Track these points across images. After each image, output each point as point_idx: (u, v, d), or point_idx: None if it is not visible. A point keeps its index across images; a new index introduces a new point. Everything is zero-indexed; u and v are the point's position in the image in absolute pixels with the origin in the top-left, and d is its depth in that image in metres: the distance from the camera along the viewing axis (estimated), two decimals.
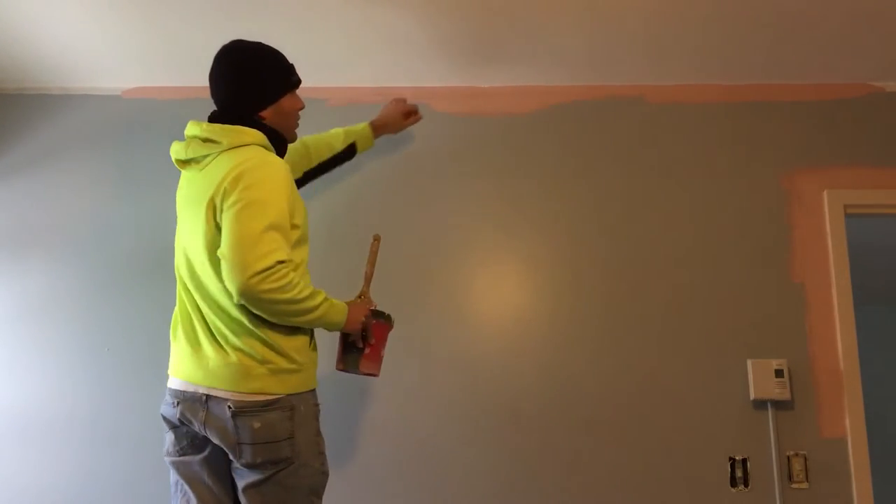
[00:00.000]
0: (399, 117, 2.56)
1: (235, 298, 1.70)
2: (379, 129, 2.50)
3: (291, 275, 1.72)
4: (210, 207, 1.76)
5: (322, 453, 1.83)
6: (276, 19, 2.46)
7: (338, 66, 2.76)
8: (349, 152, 2.40)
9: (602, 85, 2.89)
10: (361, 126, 2.43)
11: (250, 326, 1.74)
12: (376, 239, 2.16)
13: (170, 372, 1.86)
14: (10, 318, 2.71)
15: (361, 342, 1.94)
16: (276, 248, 1.70)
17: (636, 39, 2.59)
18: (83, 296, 2.72)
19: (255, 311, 1.72)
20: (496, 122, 2.87)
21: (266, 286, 1.67)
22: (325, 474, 1.84)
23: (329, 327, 1.86)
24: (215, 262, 1.75)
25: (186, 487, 1.82)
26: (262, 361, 1.74)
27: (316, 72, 2.78)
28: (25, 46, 2.63)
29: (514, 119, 2.87)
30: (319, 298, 1.79)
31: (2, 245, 2.78)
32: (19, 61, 2.72)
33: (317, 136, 2.36)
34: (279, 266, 1.70)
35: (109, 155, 2.85)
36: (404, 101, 2.61)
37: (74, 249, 2.77)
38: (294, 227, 1.82)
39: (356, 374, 2.01)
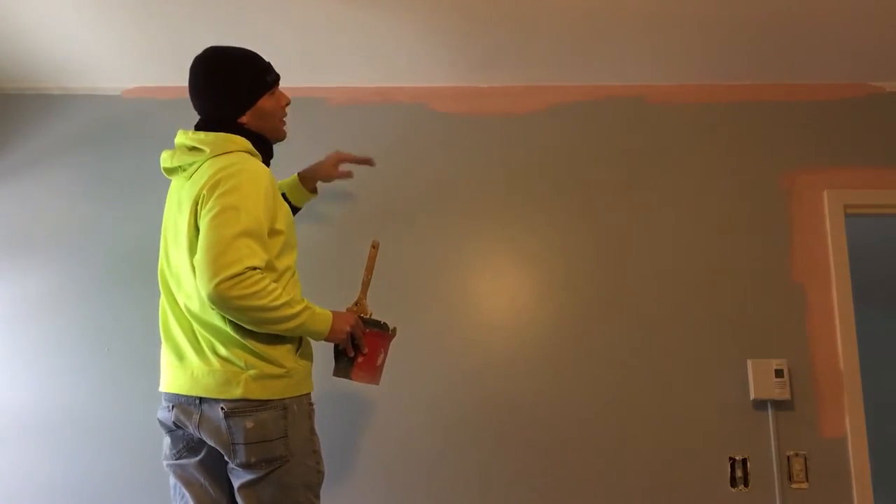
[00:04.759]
0: (329, 166, 2.40)
1: (208, 305, 1.70)
2: (308, 177, 2.35)
3: (265, 282, 1.69)
4: (192, 214, 1.76)
5: (317, 452, 1.83)
6: (276, 19, 2.46)
7: (338, 65, 2.77)
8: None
9: (602, 85, 2.89)
10: (290, 178, 2.33)
11: (234, 335, 1.73)
12: (374, 246, 2.11)
13: (160, 387, 1.86)
14: (9, 318, 2.72)
15: (352, 351, 1.91)
16: (248, 255, 1.68)
17: (636, 39, 2.59)
18: (83, 296, 2.73)
19: (230, 319, 1.71)
20: (496, 122, 2.87)
21: (236, 292, 1.65)
22: (321, 472, 1.83)
23: (311, 336, 1.83)
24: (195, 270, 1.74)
25: (184, 490, 1.81)
26: (246, 367, 1.73)
27: (316, 72, 2.79)
28: (26, 46, 2.63)
29: (514, 119, 2.87)
30: (298, 307, 1.75)
31: (1, 245, 2.78)
32: (19, 61, 2.72)
33: None
34: (250, 272, 1.67)
35: (110, 155, 2.85)
36: (346, 155, 2.45)
37: (74, 250, 2.77)
38: (276, 232, 1.80)
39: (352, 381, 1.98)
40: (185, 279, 1.79)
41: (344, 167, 2.46)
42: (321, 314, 1.81)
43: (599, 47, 2.64)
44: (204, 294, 1.67)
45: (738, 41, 2.60)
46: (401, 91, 2.88)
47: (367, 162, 2.49)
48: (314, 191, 2.37)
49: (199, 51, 1.93)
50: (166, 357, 1.84)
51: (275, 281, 1.76)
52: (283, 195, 2.29)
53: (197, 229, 1.75)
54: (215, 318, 1.74)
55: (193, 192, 1.77)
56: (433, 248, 2.76)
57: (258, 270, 1.70)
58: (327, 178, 2.42)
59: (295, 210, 2.33)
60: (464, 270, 2.75)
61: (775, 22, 2.48)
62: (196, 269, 1.69)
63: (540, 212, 2.79)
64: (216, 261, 1.66)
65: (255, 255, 1.70)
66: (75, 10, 2.42)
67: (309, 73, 2.80)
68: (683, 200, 2.79)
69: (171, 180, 1.96)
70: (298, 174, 2.34)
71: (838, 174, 2.79)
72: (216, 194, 1.72)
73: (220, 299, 1.65)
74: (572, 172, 2.82)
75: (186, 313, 1.80)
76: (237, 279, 1.65)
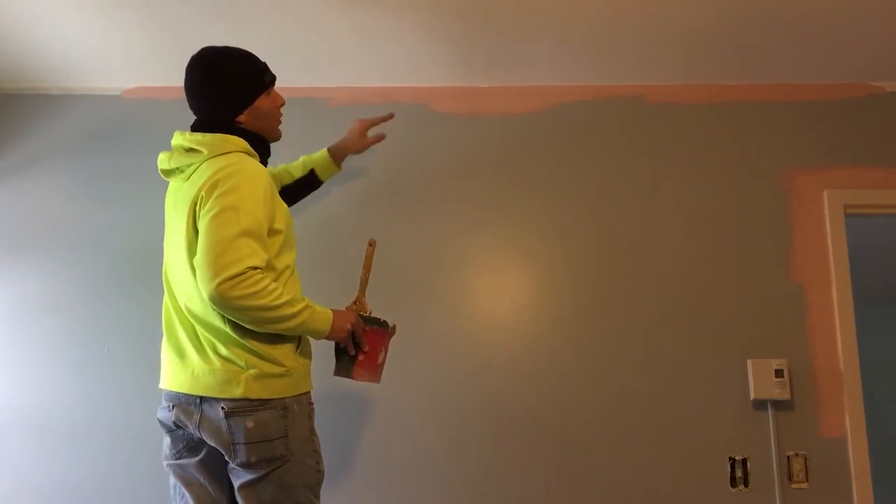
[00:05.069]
0: (358, 136, 2.40)
1: (209, 304, 1.70)
2: (338, 153, 2.35)
3: (266, 281, 1.70)
4: (191, 216, 1.76)
5: (317, 451, 1.83)
6: (276, 19, 2.46)
7: (338, 66, 2.76)
8: (311, 179, 2.30)
9: (602, 85, 2.89)
10: (320, 153, 2.33)
11: (234, 335, 1.73)
12: (371, 244, 2.13)
13: (160, 384, 1.87)
14: (9, 319, 2.72)
15: (353, 349, 1.92)
16: (248, 254, 1.68)
17: (636, 39, 2.59)
18: (83, 296, 2.73)
19: (231, 319, 1.71)
20: (496, 122, 2.87)
21: (237, 292, 1.65)
22: (321, 472, 1.83)
23: (312, 335, 1.83)
24: (195, 271, 1.74)
25: (184, 490, 1.82)
26: (247, 367, 1.73)
27: (316, 72, 2.79)
28: (26, 46, 2.63)
29: (514, 119, 2.87)
30: (299, 306, 1.76)
31: (1, 245, 2.78)
32: (19, 61, 2.72)
33: (282, 165, 2.30)
34: (251, 272, 1.68)
35: (110, 155, 2.85)
36: (368, 120, 2.44)
37: (74, 250, 2.77)
38: (275, 232, 1.80)
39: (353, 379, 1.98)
40: (184, 280, 1.80)
41: (372, 132, 2.44)
42: (322, 312, 1.82)
43: (599, 47, 2.64)
44: (205, 294, 1.67)
45: (739, 41, 2.60)
46: (401, 91, 2.88)
47: (388, 118, 2.46)
48: (340, 166, 2.37)
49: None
50: (167, 354, 1.85)
51: (274, 280, 1.76)
52: (312, 170, 2.29)
53: (196, 230, 1.75)
54: (215, 318, 1.75)
55: (191, 194, 1.77)
56: (433, 247, 2.76)
57: (259, 270, 1.70)
58: (361, 150, 2.42)
59: (318, 184, 2.33)
60: (464, 270, 2.75)
61: (775, 22, 2.48)
62: (197, 270, 1.70)
63: (540, 212, 2.79)
64: (217, 261, 1.66)
65: (256, 255, 1.70)
66: (75, 10, 2.42)
67: (309, 73, 2.80)
68: (683, 200, 2.79)
69: (168, 182, 1.96)
70: (328, 150, 2.33)
71: (838, 174, 2.79)
72: (215, 195, 1.72)
73: (221, 299, 1.66)
74: (572, 172, 2.82)
75: (187, 313, 1.80)
76: (238, 279, 1.66)
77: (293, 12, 2.43)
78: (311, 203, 2.62)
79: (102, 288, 2.73)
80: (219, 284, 1.64)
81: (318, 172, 2.31)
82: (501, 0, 2.37)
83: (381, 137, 2.46)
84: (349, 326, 1.88)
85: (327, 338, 1.85)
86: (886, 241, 4.45)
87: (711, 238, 2.75)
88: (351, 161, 2.82)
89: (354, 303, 2.04)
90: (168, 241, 1.90)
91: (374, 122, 2.43)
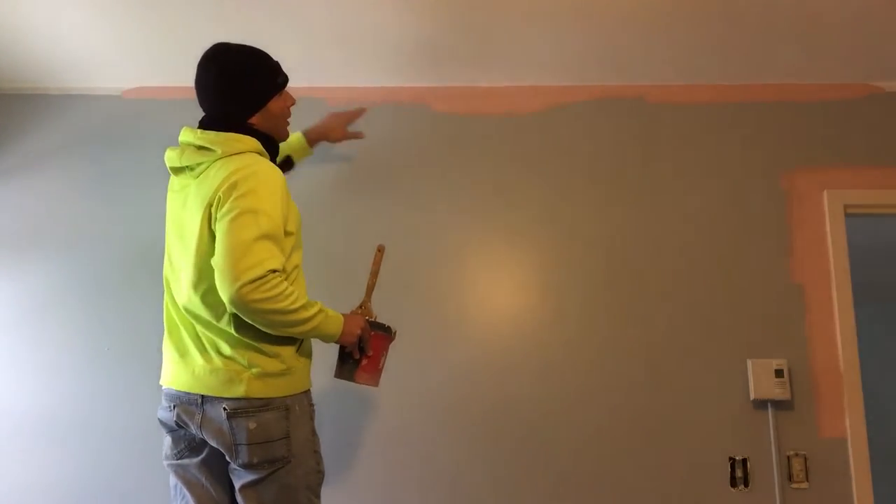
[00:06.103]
0: (339, 129, 2.51)
1: (228, 307, 1.70)
2: (316, 138, 2.43)
3: (284, 284, 1.71)
4: (206, 216, 1.75)
5: (317, 452, 1.83)
6: (275, 19, 2.46)
7: (337, 66, 2.76)
8: (285, 164, 2.32)
9: (602, 85, 2.89)
10: (296, 137, 2.36)
11: (236, 335, 1.74)
12: (380, 250, 2.13)
13: (161, 380, 1.87)
14: (10, 318, 2.71)
15: (358, 353, 1.93)
16: (268, 258, 1.69)
17: (636, 39, 2.59)
18: (83, 296, 2.73)
19: (247, 321, 1.71)
20: (496, 122, 2.87)
21: (257, 295, 1.66)
22: (322, 473, 1.84)
23: (324, 339, 1.84)
24: (203, 272, 1.74)
25: (185, 490, 1.82)
26: (249, 366, 1.73)
27: (315, 72, 2.79)
28: (26, 46, 2.62)
29: (514, 119, 2.87)
30: (314, 310, 1.77)
31: (2, 245, 2.78)
32: (19, 61, 2.72)
33: None
34: (271, 275, 1.68)
35: (109, 155, 2.85)
36: (344, 115, 2.55)
37: (75, 249, 2.77)
38: (288, 234, 1.81)
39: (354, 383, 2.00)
40: (185, 278, 1.79)
41: (351, 127, 2.56)
42: (333, 317, 1.83)
43: (599, 47, 2.64)
44: (225, 297, 1.67)
45: (738, 41, 2.60)
46: (401, 91, 2.88)
47: (360, 113, 2.58)
48: (313, 150, 2.44)
49: (199, 51, 1.91)
50: (168, 352, 1.85)
51: (284, 280, 1.76)
52: (290, 157, 2.34)
53: (210, 231, 1.74)
54: (216, 318, 1.74)
55: (205, 193, 1.76)
56: (434, 248, 2.76)
57: (277, 273, 1.70)
58: (338, 141, 2.53)
59: (290, 167, 2.37)
60: (465, 271, 2.75)
61: (775, 22, 2.48)
62: (216, 272, 1.69)
63: (540, 212, 2.79)
64: (237, 264, 1.66)
65: (275, 258, 1.71)
66: (76, 11, 2.41)
67: (309, 73, 2.80)
68: (683, 200, 2.79)
69: (169, 178, 1.95)
70: (305, 134, 2.39)
71: (838, 174, 2.79)
72: (233, 196, 1.71)
73: (241, 302, 1.66)
74: (572, 173, 2.82)
75: (186, 313, 1.79)
76: (259, 282, 1.66)
77: (294, 12, 2.43)
78: (309, 203, 2.61)
79: (103, 288, 2.73)
80: (240, 288, 1.64)
81: (295, 158, 2.36)
82: (502, 0, 2.37)
83: (361, 135, 2.57)
84: (359, 332, 1.89)
85: (336, 342, 1.85)
86: (886, 241, 4.46)
87: (711, 238, 2.75)
88: (351, 161, 2.82)
89: (360, 307, 2.05)
90: (172, 239, 1.88)
91: (350, 119, 2.55)
